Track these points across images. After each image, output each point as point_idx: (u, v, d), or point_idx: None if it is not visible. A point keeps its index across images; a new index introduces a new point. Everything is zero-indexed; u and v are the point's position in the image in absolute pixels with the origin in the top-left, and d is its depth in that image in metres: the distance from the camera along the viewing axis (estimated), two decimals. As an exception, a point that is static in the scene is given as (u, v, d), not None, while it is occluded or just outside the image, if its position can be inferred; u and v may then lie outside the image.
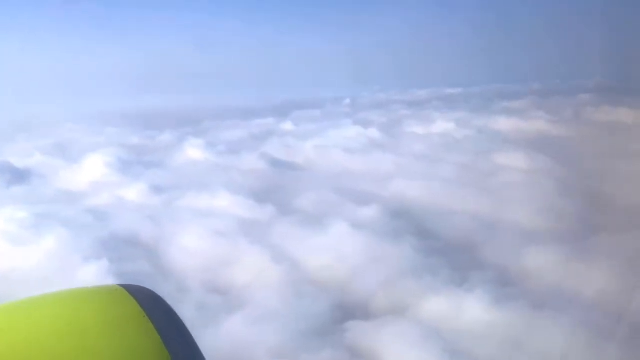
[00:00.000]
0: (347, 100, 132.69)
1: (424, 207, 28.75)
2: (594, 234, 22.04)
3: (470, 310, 15.84)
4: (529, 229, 24.25)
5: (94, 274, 19.05)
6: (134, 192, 32.89)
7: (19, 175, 41.88)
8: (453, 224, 25.99)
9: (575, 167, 36.06)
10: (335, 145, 48.43)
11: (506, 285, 18.09)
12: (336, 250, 22.18)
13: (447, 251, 22.32)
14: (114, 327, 1.65)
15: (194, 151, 48.00)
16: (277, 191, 33.78)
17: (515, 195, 29.81)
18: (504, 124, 59.24)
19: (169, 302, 1.79)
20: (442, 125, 58.24)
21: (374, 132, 54.61)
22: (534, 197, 28.93)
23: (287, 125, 74.86)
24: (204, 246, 23.55)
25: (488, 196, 30.35)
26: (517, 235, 23.60)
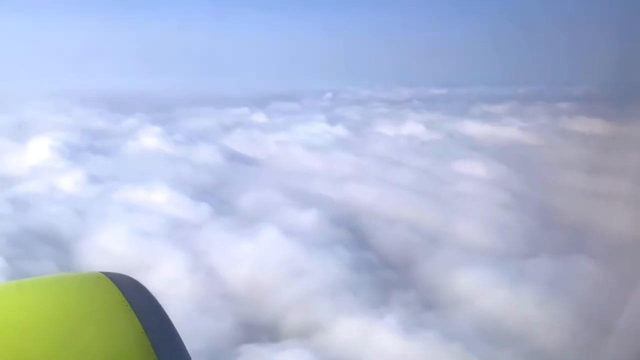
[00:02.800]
0: (329, 94, 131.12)
1: (369, 215, 27.43)
2: (533, 256, 20.87)
3: (376, 338, 14.51)
4: (470, 245, 23.04)
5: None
6: (70, 181, 31.04)
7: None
8: (394, 235, 24.70)
9: (533, 179, 35.02)
10: (297, 142, 46.90)
11: (426, 310, 16.81)
12: (260, 259, 20.72)
13: (378, 266, 21.01)
14: (95, 314, 1.63)
15: (149, 139, 46.13)
16: (223, 188, 32.24)
17: (465, 207, 28.63)
18: (475, 129, 58.18)
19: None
20: (412, 126, 56.97)
21: (340, 130, 53.15)
22: (484, 210, 27.76)
23: (259, 117, 73.07)
24: (122, 248, 21.91)
25: (438, 206, 29.13)
26: (457, 251, 22.36)
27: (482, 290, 17.83)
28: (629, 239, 24.07)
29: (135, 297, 1.73)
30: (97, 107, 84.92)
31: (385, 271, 20.59)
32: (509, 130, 58.05)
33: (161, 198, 28.11)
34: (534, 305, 16.44)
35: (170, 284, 19.03)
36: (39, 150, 39.33)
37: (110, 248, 21.76)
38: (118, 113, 76.88)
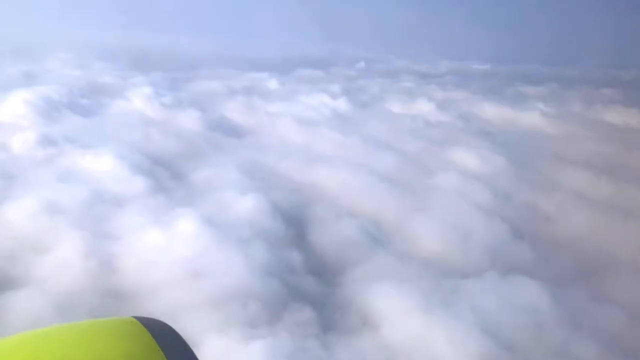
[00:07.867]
0: (362, 64, 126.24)
1: (324, 203, 24.59)
2: (476, 276, 17.66)
3: None
4: (416, 254, 20.04)
5: None
6: (20, 141, 29.38)
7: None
8: (339, 232, 21.90)
9: (530, 177, 31.13)
10: (290, 113, 43.98)
11: (322, 335, 14.10)
12: (165, 251, 18.40)
13: (298, 272, 18.29)
14: None
15: (136, 100, 44.15)
16: (182, 160, 29.90)
17: (435, 205, 25.31)
18: (493, 111, 53.58)
19: None
20: (423, 105, 52.92)
21: (342, 104, 49.67)
22: (454, 211, 24.39)
23: (272, 83, 70.09)
24: (29, 222, 19.97)
25: (407, 200, 25.94)
26: (396, 261, 19.43)
27: (394, 316, 14.95)
28: (617, 266, 20.47)
29: (167, 342, 1.73)
30: (118, 62, 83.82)
31: (304, 278, 17.93)
32: (532, 116, 53.11)
33: (103, 167, 26.05)
34: (445, 343, 13.52)
35: (56, 271, 17.00)
36: (14, 104, 37.92)
37: (12, 221, 19.88)
38: (134, 70, 75.43)
